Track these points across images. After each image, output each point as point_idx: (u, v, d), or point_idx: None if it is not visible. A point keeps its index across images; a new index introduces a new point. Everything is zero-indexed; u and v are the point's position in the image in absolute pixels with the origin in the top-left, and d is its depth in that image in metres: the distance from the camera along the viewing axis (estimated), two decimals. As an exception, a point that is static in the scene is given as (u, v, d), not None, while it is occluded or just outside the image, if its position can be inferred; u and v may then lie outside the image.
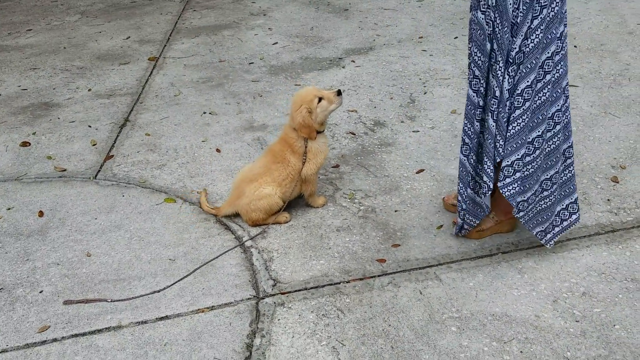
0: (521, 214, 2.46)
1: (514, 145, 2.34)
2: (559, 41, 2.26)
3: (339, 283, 2.50)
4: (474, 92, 2.41)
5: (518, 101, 2.29)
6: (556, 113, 2.36)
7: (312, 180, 2.90)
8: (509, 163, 2.36)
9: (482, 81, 2.36)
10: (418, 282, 2.48)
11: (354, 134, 3.71)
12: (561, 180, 2.51)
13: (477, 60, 2.36)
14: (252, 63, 4.93)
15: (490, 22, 2.26)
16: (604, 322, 2.24)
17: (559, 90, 2.34)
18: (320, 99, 2.77)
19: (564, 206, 2.57)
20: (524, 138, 2.34)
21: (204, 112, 4.11)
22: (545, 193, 2.48)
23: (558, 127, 2.39)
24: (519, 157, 2.35)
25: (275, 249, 2.72)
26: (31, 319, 2.37)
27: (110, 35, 5.82)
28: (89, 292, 2.50)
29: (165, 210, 3.03)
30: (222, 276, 2.56)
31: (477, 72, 2.37)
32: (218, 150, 3.60)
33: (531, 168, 2.39)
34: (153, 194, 3.18)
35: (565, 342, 2.16)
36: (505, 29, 2.21)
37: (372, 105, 4.08)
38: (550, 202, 2.50)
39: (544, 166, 2.44)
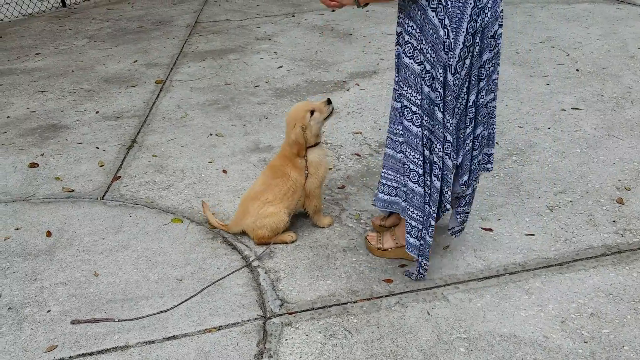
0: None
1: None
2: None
3: (346, 303, 2.50)
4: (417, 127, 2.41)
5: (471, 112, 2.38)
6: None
7: (316, 195, 2.91)
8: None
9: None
10: (425, 302, 2.48)
11: (359, 155, 3.74)
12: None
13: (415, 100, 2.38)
14: (258, 86, 4.99)
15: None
16: (612, 343, 2.23)
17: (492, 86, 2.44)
18: (312, 112, 2.80)
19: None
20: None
21: (211, 134, 4.15)
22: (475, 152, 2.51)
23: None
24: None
25: (282, 268, 2.73)
26: (39, 339, 2.37)
27: (118, 59, 5.90)
28: (96, 312, 2.50)
29: (173, 231, 3.04)
30: (229, 296, 2.56)
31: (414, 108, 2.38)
32: (224, 171, 3.63)
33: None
34: (160, 214, 3.20)
35: (575, 363, 2.15)
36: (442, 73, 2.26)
37: (376, 127, 4.12)
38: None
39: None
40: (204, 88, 5.01)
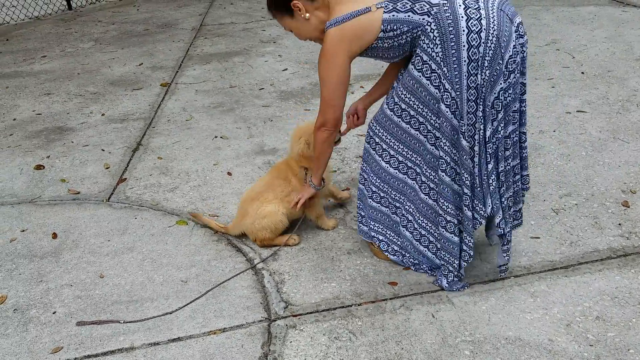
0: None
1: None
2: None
3: (351, 306, 2.49)
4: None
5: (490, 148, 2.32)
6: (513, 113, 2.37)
7: (314, 204, 2.92)
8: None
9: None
10: (430, 305, 2.47)
11: (364, 158, 3.74)
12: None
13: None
14: (263, 89, 5.00)
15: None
16: (618, 346, 2.22)
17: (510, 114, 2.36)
18: None
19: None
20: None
21: (215, 136, 4.16)
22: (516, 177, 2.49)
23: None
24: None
25: (287, 271, 2.73)
26: (44, 340, 2.38)
27: (124, 61, 5.93)
28: (101, 314, 2.51)
29: (177, 233, 3.05)
30: (234, 298, 2.56)
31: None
32: (229, 174, 3.64)
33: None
34: (165, 216, 3.21)
35: (580, 367, 2.14)
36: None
37: (381, 130, 4.12)
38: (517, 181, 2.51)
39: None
40: (209, 91, 5.03)
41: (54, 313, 2.53)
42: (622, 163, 3.51)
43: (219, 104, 4.74)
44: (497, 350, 2.23)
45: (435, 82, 2.23)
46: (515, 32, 2.21)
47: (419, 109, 2.34)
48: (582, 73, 4.91)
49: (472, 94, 2.19)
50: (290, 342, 2.31)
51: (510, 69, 2.22)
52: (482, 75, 2.17)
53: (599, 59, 5.20)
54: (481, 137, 2.26)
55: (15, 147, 4.15)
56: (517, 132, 2.41)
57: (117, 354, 2.29)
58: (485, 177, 2.32)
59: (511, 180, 2.46)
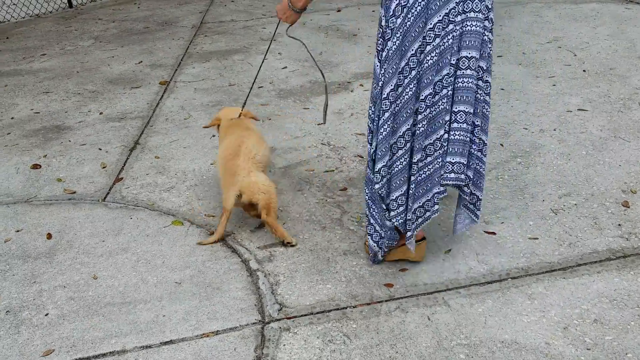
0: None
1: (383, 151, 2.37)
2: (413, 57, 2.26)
3: (346, 308, 2.47)
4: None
5: (385, 104, 2.32)
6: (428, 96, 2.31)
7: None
8: (377, 169, 2.40)
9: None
10: (426, 307, 2.45)
11: (362, 157, 3.71)
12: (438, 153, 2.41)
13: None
14: (262, 87, 4.97)
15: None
16: (615, 350, 2.19)
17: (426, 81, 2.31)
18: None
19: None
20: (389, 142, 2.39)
21: (213, 135, 4.13)
22: (429, 159, 2.40)
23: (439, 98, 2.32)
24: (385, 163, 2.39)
25: (282, 272, 2.70)
26: (36, 342, 2.37)
27: (123, 59, 5.91)
28: (94, 315, 2.49)
29: (173, 233, 3.03)
30: (228, 300, 2.54)
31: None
32: (226, 174, 3.61)
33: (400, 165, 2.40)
34: (161, 216, 3.19)
35: (577, 371, 2.11)
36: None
37: (380, 128, 4.08)
38: (434, 169, 2.42)
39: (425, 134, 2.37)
40: (208, 89, 5.00)
41: (46, 315, 2.51)
42: (623, 162, 3.47)
43: (218, 102, 4.71)
44: (493, 354, 2.20)
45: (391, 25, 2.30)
46: (460, 3, 2.21)
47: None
48: (584, 71, 4.86)
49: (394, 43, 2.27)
50: (284, 345, 2.29)
51: (438, 34, 2.23)
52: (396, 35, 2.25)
53: (601, 57, 5.15)
54: (379, 89, 2.32)
55: (12, 146, 4.13)
56: (463, 114, 2.33)
57: (109, 357, 2.27)
58: (376, 121, 2.38)
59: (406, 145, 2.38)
